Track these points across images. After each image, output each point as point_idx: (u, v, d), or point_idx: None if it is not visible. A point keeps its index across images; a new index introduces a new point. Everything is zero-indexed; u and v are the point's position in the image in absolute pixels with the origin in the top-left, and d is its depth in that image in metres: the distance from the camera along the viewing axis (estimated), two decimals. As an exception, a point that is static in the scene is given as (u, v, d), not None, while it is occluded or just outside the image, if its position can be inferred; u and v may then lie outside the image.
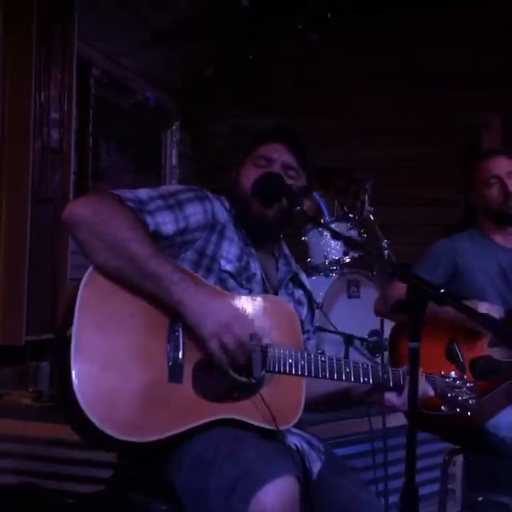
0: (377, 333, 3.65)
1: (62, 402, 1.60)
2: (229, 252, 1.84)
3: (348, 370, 1.78)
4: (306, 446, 1.82)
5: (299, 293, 2.03)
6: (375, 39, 5.36)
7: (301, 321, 1.95)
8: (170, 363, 1.64)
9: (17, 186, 3.58)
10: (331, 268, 3.84)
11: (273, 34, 5.45)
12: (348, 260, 3.92)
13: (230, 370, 1.66)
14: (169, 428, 1.60)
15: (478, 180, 2.61)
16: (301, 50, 5.36)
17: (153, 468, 1.71)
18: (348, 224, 3.99)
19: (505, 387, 2.37)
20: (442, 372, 1.94)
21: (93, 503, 2.57)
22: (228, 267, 1.82)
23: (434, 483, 2.91)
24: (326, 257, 3.88)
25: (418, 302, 1.41)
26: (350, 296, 3.76)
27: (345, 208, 4.15)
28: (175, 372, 1.64)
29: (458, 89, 5.29)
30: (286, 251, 2.05)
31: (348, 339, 3.56)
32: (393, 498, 2.77)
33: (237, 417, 1.67)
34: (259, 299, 1.81)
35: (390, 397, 1.82)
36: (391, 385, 1.82)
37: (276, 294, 1.93)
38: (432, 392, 1.85)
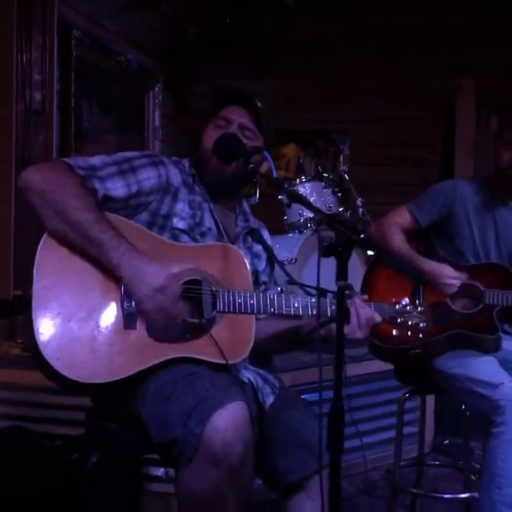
0: (349, 286, 3.80)
1: (33, 354, 1.77)
2: (183, 210, 1.99)
3: (296, 304, 1.94)
4: (260, 381, 2.00)
5: (257, 247, 2.19)
6: (351, 4, 5.45)
7: (257, 272, 2.13)
8: (124, 313, 1.81)
9: (1, 148, 3.67)
10: (307, 225, 3.99)
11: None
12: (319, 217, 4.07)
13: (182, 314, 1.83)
14: (127, 369, 1.78)
15: (502, 137, 2.67)
16: (280, 14, 5.44)
17: (121, 404, 1.89)
18: (323, 183, 4.13)
19: (453, 334, 2.52)
20: (393, 300, 2.06)
21: (77, 442, 2.75)
22: (180, 225, 1.97)
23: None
24: (301, 215, 4.02)
25: (344, 246, 1.59)
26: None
27: (319, 168, 4.29)
28: (129, 320, 1.82)
29: (433, 53, 5.40)
30: (247, 209, 2.20)
31: (321, 293, 3.71)
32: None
33: (189, 354, 1.85)
34: (209, 246, 1.99)
35: (333, 326, 1.92)
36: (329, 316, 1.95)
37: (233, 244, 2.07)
38: (378, 318, 1.98)
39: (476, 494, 2.61)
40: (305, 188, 4.09)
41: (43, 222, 1.82)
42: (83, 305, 1.80)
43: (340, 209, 4.20)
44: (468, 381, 2.44)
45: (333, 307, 1.95)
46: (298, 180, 4.13)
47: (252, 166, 2.01)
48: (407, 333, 2.05)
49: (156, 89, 5.64)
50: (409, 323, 2.03)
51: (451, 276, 2.58)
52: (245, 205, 2.22)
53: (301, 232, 3.95)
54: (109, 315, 1.82)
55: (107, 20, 4.89)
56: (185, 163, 2.08)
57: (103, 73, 5.04)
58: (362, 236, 1.66)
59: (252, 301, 1.90)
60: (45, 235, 1.83)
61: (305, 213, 4.01)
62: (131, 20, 5.07)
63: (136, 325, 1.83)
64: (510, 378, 2.41)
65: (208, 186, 2.06)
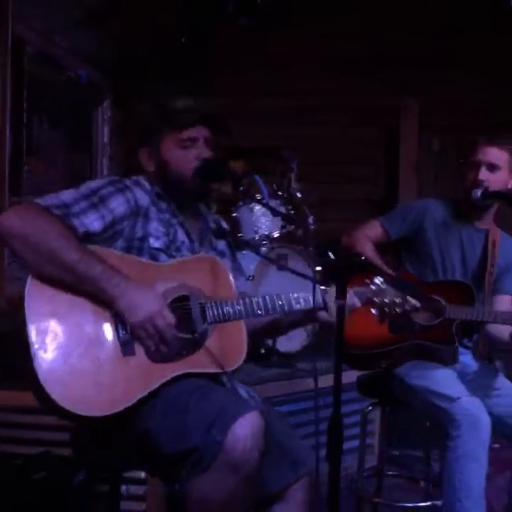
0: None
1: (42, 403, 1.84)
2: (157, 230, 2.05)
3: (281, 302, 2.05)
4: (245, 395, 2.09)
5: (221, 245, 2.27)
6: (300, 24, 5.59)
7: None
8: (121, 341, 1.87)
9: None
10: (262, 242, 4.06)
11: (205, 15, 5.58)
12: (277, 235, 4.15)
13: (176, 331, 1.91)
14: (134, 395, 1.85)
15: (468, 159, 2.79)
16: (232, 31, 5.53)
17: (116, 424, 1.91)
18: (278, 201, 4.21)
19: (413, 344, 2.64)
20: (367, 281, 2.16)
21: (40, 463, 2.74)
22: (157, 244, 2.04)
23: (355, 439, 3.17)
24: (256, 232, 4.09)
25: (346, 268, 1.68)
26: (279, 269, 4.00)
27: (274, 186, 4.36)
28: (127, 347, 1.88)
29: (379, 74, 5.56)
30: (203, 209, 2.27)
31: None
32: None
33: (189, 370, 1.92)
34: (189, 260, 2.07)
35: (321, 314, 2.10)
36: (323, 306, 2.09)
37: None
38: (358, 303, 2.11)
39: (437, 502, 2.72)
40: (259, 206, 4.15)
41: (29, 267, 1.86)
42: (79, 341, 1.85)
43: (293, 227, 4.29)
44: (427, 393, 2.55)
45: (319, 299, 2.08)
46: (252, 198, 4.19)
47: (242, 188, 2.11)
48: (385, 310, 2.13)
49: (105, 104, 5.63)
50: (386, 300, 2.14)
51: None
52: (202, 208, 2.28)
53: (257, 250, 4.02)
54: (107, 346, 1.87)
55: (58, 36, 4.88)
56: (144, 181, 2.12)
57: (53, 88, 5.00)
58: (363, 258, 1.74)
59: (239, 308, 2.00)
60: (29, 279, 1.85)
61: (260, 231, 4.08)
62: (82, 36, 5.07)
63: (134, 351, 1.89)
64: (468, 393, 2.52)
65: (181, 204, 2.13)
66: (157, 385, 1.88)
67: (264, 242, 4.06)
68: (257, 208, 4.14)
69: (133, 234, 2.02)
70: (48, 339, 1.81)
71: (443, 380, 2.58)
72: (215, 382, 1.97)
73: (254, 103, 5.70)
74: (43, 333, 1.81)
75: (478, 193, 2.72)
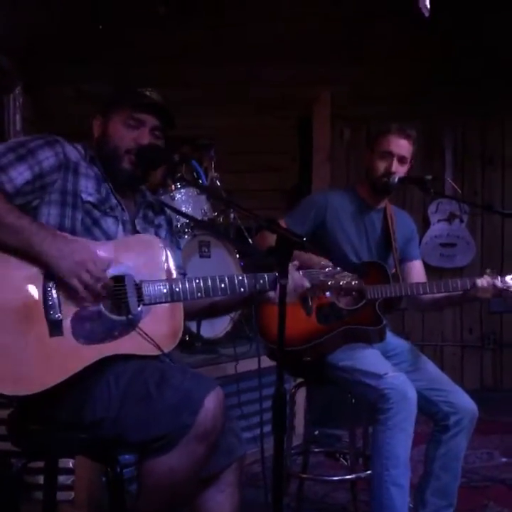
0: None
1: None
2: (87, 186, 2.05)
3: (223, 285, 2.03)
4: None
5: (159, 219, 2.27)
6: (217, 13, 5.62)
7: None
8: (48, 320, 1.85)
9: None
10: (184, 230, 4.09)
11: (122, 2, 5.52)
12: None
13: (107, 312, 1.90)
14: (55, 378, 1.82)
15: (375, 146, 2.87)
16: (149, 20, 5.50)
17: (60, 409, 1.92)
18: (197, 189, 4.24)
19: (343, 330, 2.75)
20: (322, 263, 2.18)
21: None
22: (90, 198, 2.03)
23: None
24: (177, 220, 4.11)
25: (285, 248, 1.74)
26: (201, 256, 4.04)
27: (194, 174, 4.39)
28: (54, 328, 1.86)
29: (293, 64, 5.68)
30: (142, 186, 2.27)
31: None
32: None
33: (121, 351, 1.91)
34: (126, 240, 2.06)
35: (270, 294, 2.11)
36: (268, 288, 2.08)
37: (133, 221, 2.15)
38: (307, 284, 2.12)
39: (360, 475, 2.86)
40: (180, 194, 4.18)
41: None
42: (5, 315, 1.82)
43: (215, 214, 4.34)
44: (356, 372, 2.66)
45: (261, 281, 2.07)
46: (173, 186, 4.21)
47: (179, 175, 2.12)
48: (341, 293, 2.18)
49: (16, 91, 5.49)
50: (342, 283, 2.14)
51: None
52: (144, 187, 2.28)
53: (179, 237, 4.04)
54: (34, 324, 1.84)
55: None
56: (78, 146, 2.12)
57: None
58: (304, 239, 1.80)
59: (177, 290, 1.98)
60: None
61: (181, 219, 4.11)
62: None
63: (62, 332, 1.87)
64: (393, 368, 2.65)
65: (115, 181, 2.12)
66: (85, 365, 1.86)
67: (186, 230, 4.08)
68: (178, 196, 4.17)
69: (65, 187, 2.01)
70: None
71: (369, 359, 2.69)
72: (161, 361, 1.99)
73: (170, 93, 5.67)
74: None
75: (396, 178, 2.85)
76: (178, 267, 2.17)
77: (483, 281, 2.67)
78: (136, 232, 2.15)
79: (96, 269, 1.87)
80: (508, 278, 2.68)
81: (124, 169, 2.10)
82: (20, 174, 1.92)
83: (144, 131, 2.11)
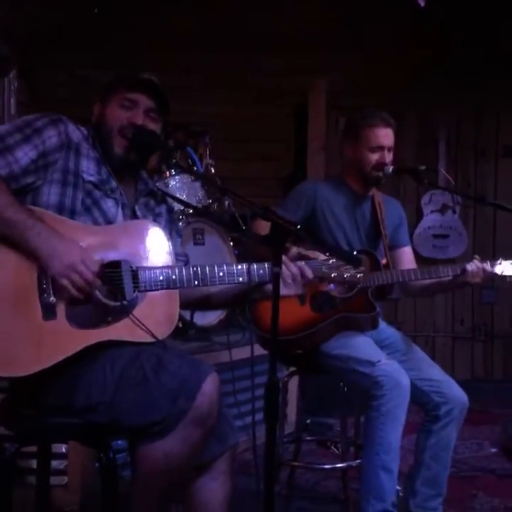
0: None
1: None
2: (88, 167, 2.06)
3: (221, 273, 1.99)
4: None
5: (160, 208, 2.27)
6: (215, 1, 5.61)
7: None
8: (42, 304, 1.86)
9: None
10: (178, 217, 4.08)
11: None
12: (191, 210, 4.18)
13: (101, 297, 1.89)
14: (46, 361, 1.83)
15: (363, 140, 2.85)
16: (146, 5, 5.48)
17: (52, 393, 1.93)
18: (191, 176, 4.23)
19: (337, 318, 2.75)
20: (327, 255, 2.10)
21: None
22: (91, 178, 2.05)
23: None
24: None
25: (280, 237, 1.74)
26: (196, 243, 4.04)
27: (189, 161, 4.38)
28: (48, 311, 1.86)
29: (288, 53, 5.67)
30: (144, 174, 2.27)
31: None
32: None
33: (114, 337, 1.91)
34: (125, 225, 2.06)
35: (268, 288, 2.06)
36: (268, 279, 2.02)
37: (133, 208, 2.15)
38: (310, 274, 2.04)
39: (352, 463, 2.88)
40: (175, 181, 4.17)
41: None
42: (0, 300, 1.83)
43: (209, 201, 4.34)
44: (350, 360, 2.67)
45: (260, 271, 2.02)
46: (167, 173, 4.20)
47: (174, 161, 2.11)
48: (344, 286, 2.14)
49: (11, 75, 5.45)
50: (345, 276, 2.08)
51: None
52: (143, 172, 2.27)
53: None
54: (27, 307, 1.85)
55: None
56: (82, 127, 2.14)
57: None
58: (298, 226, 1.81)
59: (174, 277, 1.96)
60: None
61: (176, 206, 4.09)
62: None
63: (55, 315, 1.87)
64: (386, 356, 2.67)
65: (110, 162, 2.12)
66: (78, 350, 1.87)
67: (180, 217, 4.08)
68: (173, 182, 4.16)
69: (67, 166, 2.02)
70: None
71: (362, 347, 2.71)
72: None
73: (165, 79, 5.65)
74: None
75: (390, 169, 2.86)
76: (180, 255, 2.17)
77: (472, 266, 2.69)
78: (135, 217, 2.15)
79: (86, 271, 1.87)
80: (496, 263, 2.72)
81: (117, 154, 2.11)
82: (26, 154, 1.96)
83: (138, 111, 2.11)
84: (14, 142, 1.95)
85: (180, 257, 2.19)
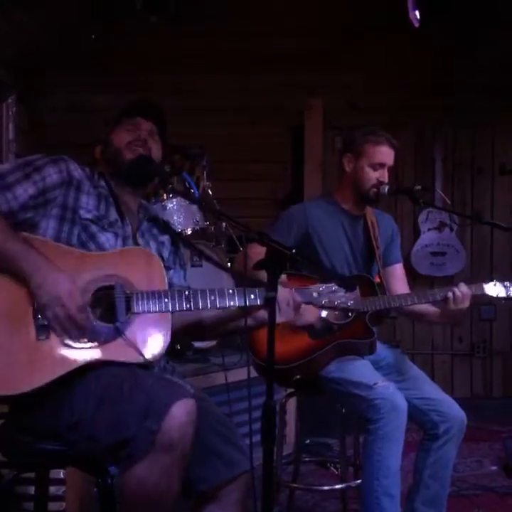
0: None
1: None
2: (88, 203, 2.12)
3: (213, 297, 2.02)
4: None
5: (163, 237, 2.32)
6: (210, 23, 5.66)
7: (164, 259, 2.25)
8: (36, 323, 1.90)
9: None
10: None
11: (114, 11, 5.55)
12: (189, 232, 4.20)
13: (95, 319, 1.93)
14: (38, 381, 1.85)
15: (365, 156, 2.86)
16: (142, 29, 5.53)
17: (40, 417, 1.94)
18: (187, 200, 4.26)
19: (335, 345, 2.75)
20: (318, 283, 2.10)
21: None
22: (88, 216, 2.10)
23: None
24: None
25: (276, 261, 1.75)
26: (193, 265, 4.05)
27: (186, 183, 4.41)
28: (41, 331, 1.90)
29: (285, 74, 5.72)
30: (143, 202, 2.34)
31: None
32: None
33: (104, 358, 1.94)
34: (125, 252, 2.10)
35: (262, 313, 2.07)
36: (259, 303, 2.03)
37: (135, 236, 2.20)
38: (298, 298, 2.06)
39: (350, 484, 2.87)
40: (172, 204, 4.20)
41: None
42: None
43: (207, 223, 4.36)
44: (347, 384, 2.67)
45: (252, 296, 2.03)
46: (165, 196, 4.22)
47: (171, 186, 2.16)
48: (335, 313, 2.12)
49: (9, 100, 5.50)
50: (336, 302, 2.07)
51: None
52: (142, 201, 2.34)
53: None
54: (21, 326, 1.89)
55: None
56: (85, 167, 2.20)
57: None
58: (294, 251, 1.83)
59: (166, 300, 1.99)
60: None
61: (174, 228, 4.11)
62: (-16, 30, 4.93)
63: (49, 335, 1.91)
64: (383, 378, 2.67)
65: (121, 173, 2.20)
66: (64, 372, 1.88)
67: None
68: (170, 205, 4.18)
69: (66, 203, 2.08)
70: None
71: (359, 370, 2.71)
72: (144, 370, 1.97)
73: (162, 101, 5.69)
74: None
75: (386, 189, 2.87)
76: (183, 287, 2.21)
77: (456, 292, 2.67)
78: (136, 245, 2.19)
79: (70, 304, 1.90)
80: (490, 284, 2.72)
81: (128, 160, 2.18)
82: (25, 191, 2.02)
83: (141, 132, 2.21)
84: (15, 180, 2.02)
85: (184, 290, 2.17)
